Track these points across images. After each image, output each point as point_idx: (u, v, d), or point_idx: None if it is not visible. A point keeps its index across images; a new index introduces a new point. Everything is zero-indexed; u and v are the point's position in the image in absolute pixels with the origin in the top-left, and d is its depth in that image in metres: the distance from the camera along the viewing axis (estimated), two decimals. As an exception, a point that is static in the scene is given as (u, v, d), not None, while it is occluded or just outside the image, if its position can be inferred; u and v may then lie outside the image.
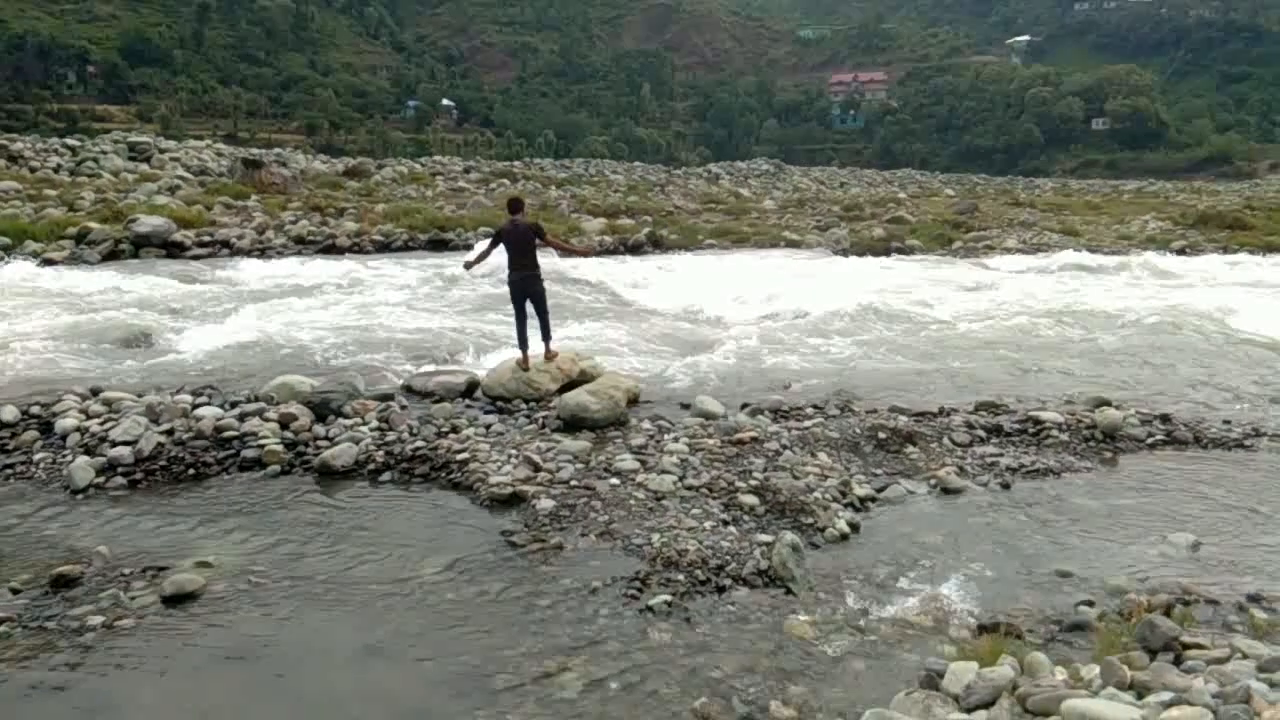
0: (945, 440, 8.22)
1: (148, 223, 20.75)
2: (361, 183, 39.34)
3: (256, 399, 8.53)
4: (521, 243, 9.12)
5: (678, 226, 29.72)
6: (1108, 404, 9.24)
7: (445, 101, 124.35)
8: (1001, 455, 7.93)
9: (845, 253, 26.37)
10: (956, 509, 6.85)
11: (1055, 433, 8.46)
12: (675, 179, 60.19)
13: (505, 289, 9.37)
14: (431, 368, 10.34)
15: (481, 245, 9.68)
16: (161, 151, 39.37)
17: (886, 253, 26.25)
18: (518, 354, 9.44)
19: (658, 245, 25.93)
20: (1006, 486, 7.28)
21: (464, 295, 15.73)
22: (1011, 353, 12.29)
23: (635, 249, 25.32)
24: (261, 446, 7.45)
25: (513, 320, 9.55)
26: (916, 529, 6.45)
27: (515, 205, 9.34)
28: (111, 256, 19.49)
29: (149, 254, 20.02)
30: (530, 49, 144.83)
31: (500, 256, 9.29)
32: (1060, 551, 6.10)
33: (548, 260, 9.36)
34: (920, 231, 29.97)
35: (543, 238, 9.26)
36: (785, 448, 7.68)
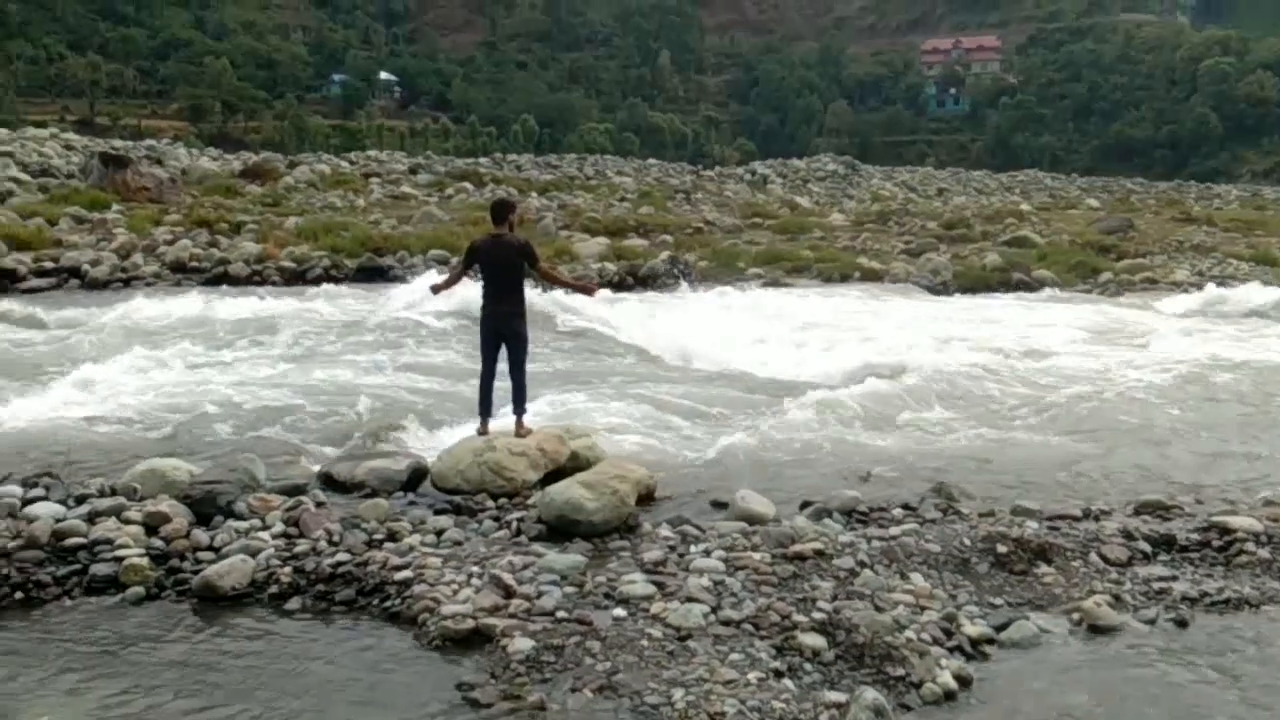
0: (1093, 557, 8.14)
1: (-34, 243, 21.03)
2: (267, 188, 39.91)
3: (113, 492, 8.50)
4: (504, 266, 9.26)
5: (709, 250, 29.94)
6: (1326, 505, 9.17)
7: (385, 76, 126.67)
8: (1175, 579, 7.85)
9: (946, 287, 26.45)
10: (1111, 656, 6.78)
11: (1251, 546, 8.38)
12: (706, 182, 60.85)
13: (472, 334, 9.48)
14: (360, 448, 10.34)
15: (455, 263, 9.87)
16: (-11, 143, 40.07)
17: (1006, 288, 26.29)
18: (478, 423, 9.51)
19: (681, 275, 26.09)
20: (1182, 624, 7.21)
21: (409, 345, 15.79)
22: (1186, 431, 12.24)
23: (649, 280, 25.48)
24: (119, 560, 7.40)
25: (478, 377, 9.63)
26: (1053, 684, 6.38)
27: (501, 211, 9.51)
28: (-87, 289, 19.71)
29: (-34, 286, 20.25)
30: (504, 4, 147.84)
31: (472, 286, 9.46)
32: (1262, 720, 6.01)
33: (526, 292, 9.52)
34: (1053, 259, 30.11)
35: (534, 263, 9.38)
36: (864, 566, 7.64)
